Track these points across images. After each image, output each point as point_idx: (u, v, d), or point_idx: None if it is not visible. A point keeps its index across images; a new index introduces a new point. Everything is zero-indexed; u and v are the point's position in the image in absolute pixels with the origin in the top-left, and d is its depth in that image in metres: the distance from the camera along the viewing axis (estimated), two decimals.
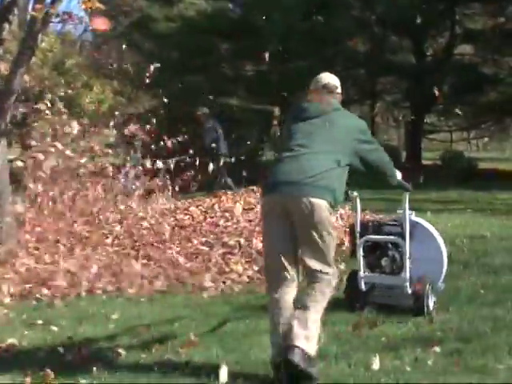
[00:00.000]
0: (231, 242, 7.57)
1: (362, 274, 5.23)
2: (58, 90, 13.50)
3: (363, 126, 4.20)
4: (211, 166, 11.36)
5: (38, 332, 4.86)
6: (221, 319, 5.04)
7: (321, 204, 3.78)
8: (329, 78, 4.31)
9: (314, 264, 3.83)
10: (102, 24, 6.00)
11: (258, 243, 7.25)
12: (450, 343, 4.34)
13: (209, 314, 5.29)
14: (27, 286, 6.06)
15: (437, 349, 4.19)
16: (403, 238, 5.14)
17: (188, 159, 11.20)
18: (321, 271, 3.83)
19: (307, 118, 4.09)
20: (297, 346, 3.59)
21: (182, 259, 7.01)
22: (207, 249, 7.43)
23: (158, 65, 10.38)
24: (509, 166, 21.66)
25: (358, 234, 5.27)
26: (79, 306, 5.64)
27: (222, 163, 12.50)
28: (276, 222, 3.87)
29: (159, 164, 10.03)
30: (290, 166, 3.89)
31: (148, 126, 10.49)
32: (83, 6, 6.20)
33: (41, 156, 7.99)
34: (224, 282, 6.39)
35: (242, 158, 13.28)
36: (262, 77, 20.58)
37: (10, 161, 7.79)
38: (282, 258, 3.84)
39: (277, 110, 22.96)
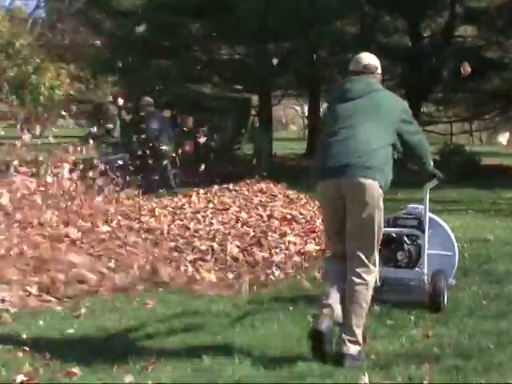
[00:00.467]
0: (203, 247, 7.56)
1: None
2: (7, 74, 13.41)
3: (406, 106, 4.78)
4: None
5: None
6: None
7: (372, 184, 4.37)
8: (369, 59, 4.85)
9: (357, 250, 4.44)
10: None
11: (233, 248, 7.25)
12: (448, 360, 4.36)
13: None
14: None
15: (433, 366, 4.21)
16: (421, 230, 5.49)
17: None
18: (366, 258, 4.43)
19: (350, 99, 4.63)
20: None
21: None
22: (176, 254, 7.40)
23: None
24: None
25: None
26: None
27: (165, 162, 12.70)
28: (330, 205, 4.56)
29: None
30: (338, 149, 4.47)
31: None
32: None
33: None
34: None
35: (212, 155, 13.45)
36: (238, 61, 20.57)
37: None
38: (340, 237, 4.54)
39: (255, 99, 23.02)
